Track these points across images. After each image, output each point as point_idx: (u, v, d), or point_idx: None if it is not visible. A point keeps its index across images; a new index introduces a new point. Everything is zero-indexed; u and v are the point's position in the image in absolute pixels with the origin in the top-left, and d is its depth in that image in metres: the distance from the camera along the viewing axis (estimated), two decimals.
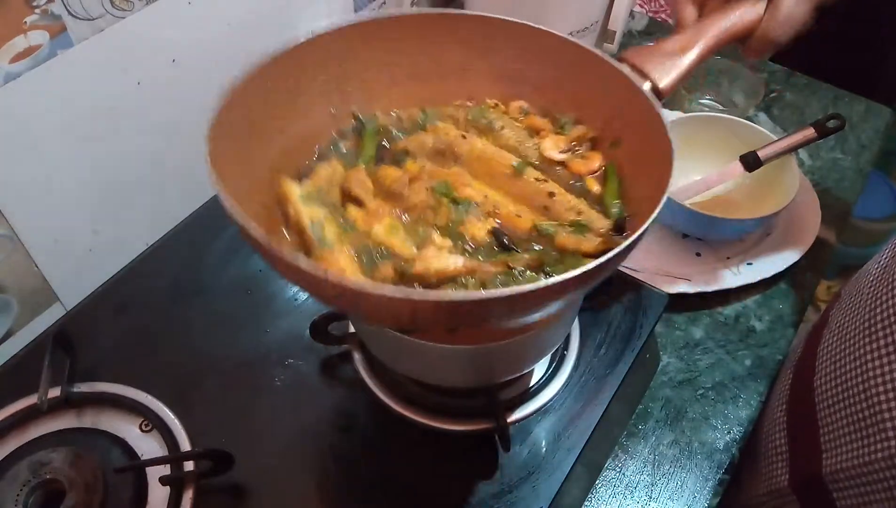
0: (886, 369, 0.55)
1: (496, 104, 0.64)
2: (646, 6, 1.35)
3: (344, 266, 0.48)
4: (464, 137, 0.59)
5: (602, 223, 0.54)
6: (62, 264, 0.74)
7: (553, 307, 0.48)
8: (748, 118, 1.03)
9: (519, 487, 0.60)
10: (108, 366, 0.66)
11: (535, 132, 0.62)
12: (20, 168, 0.66)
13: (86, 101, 0.69)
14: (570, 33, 0.94)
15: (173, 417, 0.62)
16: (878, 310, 0.58)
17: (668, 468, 0.71)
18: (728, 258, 0.87)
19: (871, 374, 0.57)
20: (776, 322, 0.83)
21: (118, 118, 0.73)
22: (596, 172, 0.59)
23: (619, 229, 0.53)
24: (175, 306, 0.73)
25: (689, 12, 0.64)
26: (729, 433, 0.74)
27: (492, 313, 0.42)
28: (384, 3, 1.00)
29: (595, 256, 0.50)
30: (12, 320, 0.72)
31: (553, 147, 0.59)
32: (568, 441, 0.62)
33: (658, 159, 0.51)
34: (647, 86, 0.56)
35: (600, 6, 0.94)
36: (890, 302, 0.57)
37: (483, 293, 0.39)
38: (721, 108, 1.07)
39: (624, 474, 0.70)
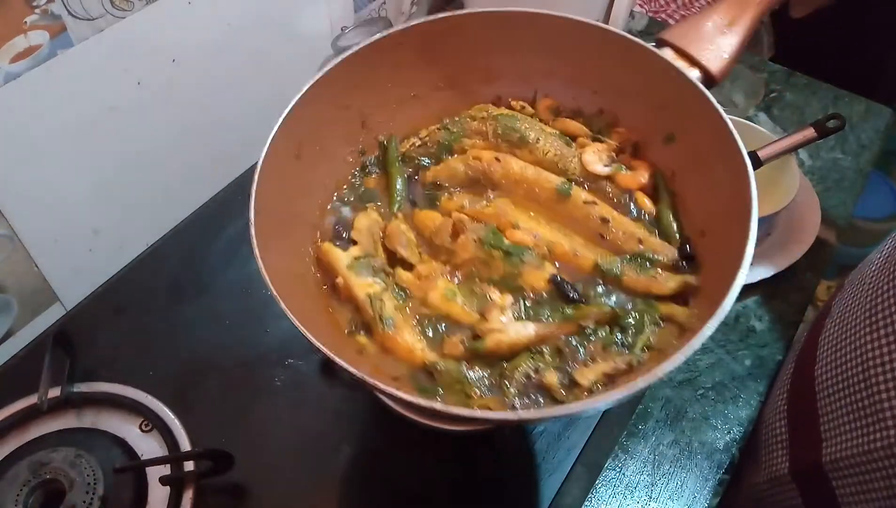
0: (887, 358, 0.55)
1: (522, 106, 0.59)
2: (646, 6, 1.35)
3: (412, 345, 0.47)
4: (498, 159, 0.55)
5: (666, 252, 0.50)
6: (62, 264, 0.74)
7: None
8: (748, 118, 1.03)
9: (519, 487, 0.60)
10: (108, 366, 0.66)
11: (571, 138, 0.57)
12: (20, 168, 0.66)
13: (86, 101, 0.69)
14: None
15: (173, 417, 0.62)
16: (880, 300, 0.58)
17: (668, 468, 0.71)
18: None
19: (871, 363, 0.57)
20: (776, 322, 0.83)
21: (118, 118, 0.73)
22: (645, 186, 0.54)
23: (688, 257, 0.49)
24: (175, 306, 0.73)
25: None
26: (729, 433, 0.74)
27: (584, 411, 0.41)
28: (384, 2, 1.00)
29: (670, 298, 0.48)
30: (12, 320, 0.72)
31: (596, 160, 0.55)
32: (568, 442, 0.62)
33: (718, 164, 0.46)
34: (695, 74, 0.50)
35: (600, 6, 0.94)
36: (891, 292, 0.57)
37: (562, 409, 0.39)
38: (721, 108, 1.07)
39: (624, 474, 0.70)
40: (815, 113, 1.10)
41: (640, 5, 1.33)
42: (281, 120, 0.50)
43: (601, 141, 0.56)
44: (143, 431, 0.62)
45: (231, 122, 0.84)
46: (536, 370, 0.45)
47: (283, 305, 0.42)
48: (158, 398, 0.63)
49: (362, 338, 0.48)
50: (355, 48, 0.54)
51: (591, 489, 0.68)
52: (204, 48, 0.78)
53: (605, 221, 0.52)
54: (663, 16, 1.33)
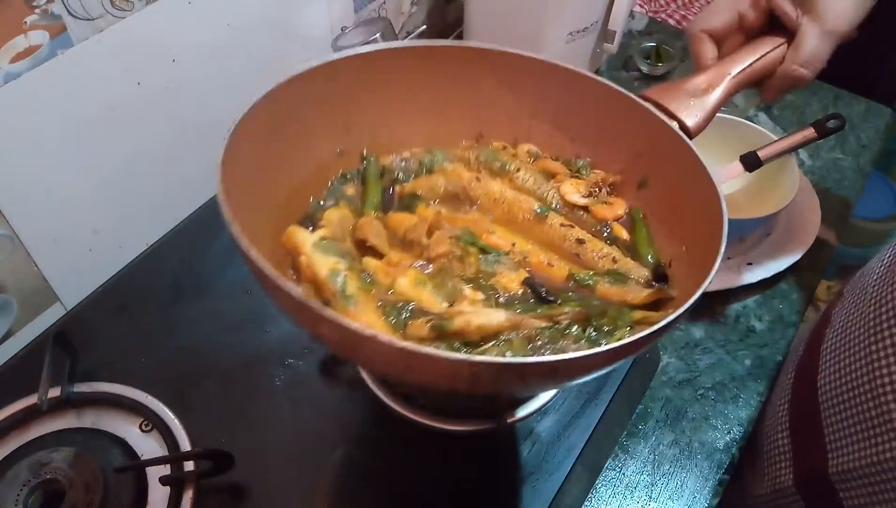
0: (894, 368, 0.55)
1: (504, 147, 0.60)
2: (646, 6, 1.35)
3: (372, 323, 0.44)
4: (478, 179, 0.56)
5: (641, 272, 0.51)
6: (62, 264, 0.74)
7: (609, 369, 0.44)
8: (748, 118, 1.03)
9: (519, 487, 0.60)
10: (108, 366, 0.66)
11: (550, 176, 0.58)
12: (20, 168, 0.66)
13: (86, 101, 0.69)
14: (570, 33, 0.94)
15: (173, 417, 0.62)
16: (884, 309, 0.58)
17: (668, 468, 0.71)
18: (728, 258, 0.87)
19: (877, 374, 0.56)
20: (776, 322, 0.83)
21: (118, 118, 0.73)
22: (621, 217, 0.56)
23: (660, 277, 0.50)
24: (175, 306, 0.73)
25: (709, 51, 0.63)
26: (729, 433, 0.74)
27: (555, 375, 0.39)
28: (384, 2, 1.00)
29: (643, 306, 0.48)
30: (12, 320, 0.72)
31: (574, 191, 0.56)
32: (568, 441, 0.62)
33: (698, 200, 0.48)
34: (674, 126, 0.54)
35: (600, 6, 0.94)
36: (894, 302, 0.57)
37: (557, 357, 0.36)
38: (721, 108, 1.07)
39: (624, 474, 0.70)
40: (815, 113, 1.10)
41: (640, 5, 1.33)
42: (272, 88, 0.49)
43: (580, 178, 0.58)
44: (143, 431, 0.62)
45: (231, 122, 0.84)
46: (504, 356, 0.43)
47: (229, 216, 0.39)
48: (158, 398, 0.63)
49: None
50: (356, 51, 0.54)
51: (591, 489, 0.69)
52: (204, 48, 0.78)
53: (580, 242, 0.53)
54: (663, 16, 1.33)
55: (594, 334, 0.46)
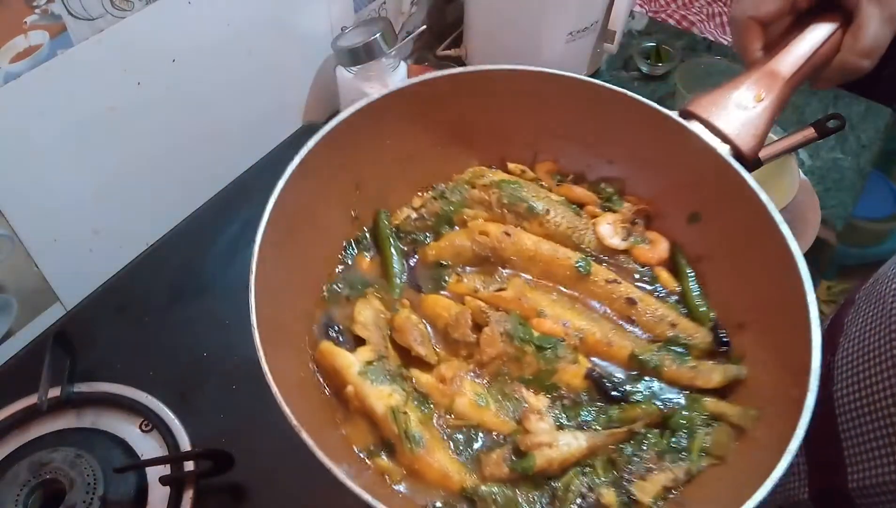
0: None
1: (523, 170, 0.56)
2: (646, 6, 1.35)
3: (447, 467, 0.41)
4: (508, 234, 0.50)
5: (702, 337, 0.48)
6: (62, 264, 0.74)
7: None
8: None
9: None
10: (108, 366, 0.66)
11: (578, 206, 0.54)
12: (20, 168, 0.66)
13: (86, 101, 0.69)
14: (570, 33, 0.94)
15: (173, 417, 0.62)
16: None
17: None
18: None
19: None
20: None
21: (118, 118, 0.73)
22: (665, 260, 0.51)
23: (722, 342, 0.47)
24: (175, 306, 0.73)
25: (757, 41, 0.54)
26: None
27: None
28: (384, 2, 1.00)
29: (714, 391, 0.46)
30: (12, 320, 0.72)
31: (612, 232, 0.52)
32: None
33: (763, 251, 0.43)
34: (725, 149, 0.47)
35: (600, 6, 0.94)
36: None
37: None
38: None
39: None
40: (815, 113, 1.10)
41: (640, 5, 1.33)
42: (278, 190, 0.46)
43: (612, 210, 0.53)
44: (143, 431, 0.62)
45: (231, 122, 0.84)
46: (591, 488, 0.41)
47: (294, 420, 0.38)
48: (158, 398, 0.63)
49: (383, 461, 0.43)
50: (357, 106, 0.50)
51: None
52: (204, 48, 0.78)
53: (631, 302, 0.49)
54: (663, 16, 1.33)
55: (673, 440, 0.43)
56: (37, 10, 0.61)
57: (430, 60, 1.08)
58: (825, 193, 0.96)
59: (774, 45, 0.54)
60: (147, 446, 0.61)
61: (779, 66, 0.50)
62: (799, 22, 0.54)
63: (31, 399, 0.61)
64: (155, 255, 0.78)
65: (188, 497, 0.57)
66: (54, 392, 0.62)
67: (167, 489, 0.58)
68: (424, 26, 0.99)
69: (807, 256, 0.84)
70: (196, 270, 0.76)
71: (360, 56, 0.84)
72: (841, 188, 0.99)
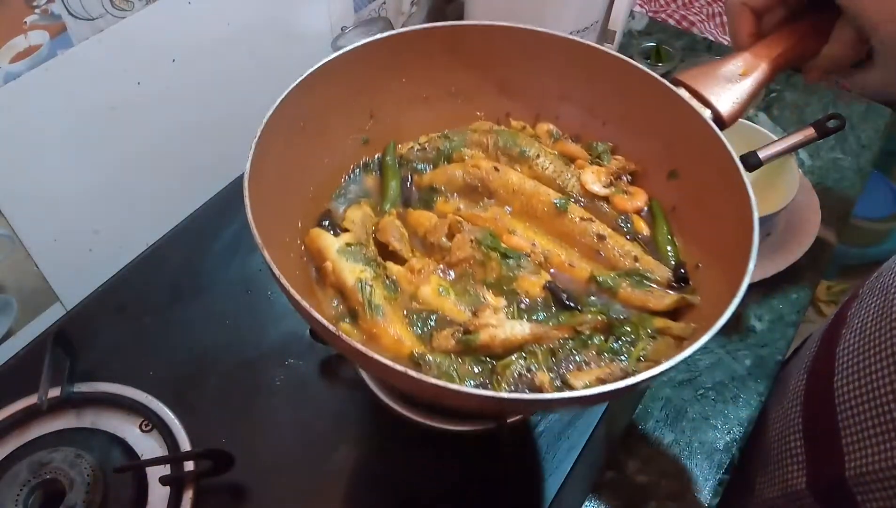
0: None
1: (523, 126, 0.60)
2: (646, 6, 1.35)
3: (400, 335, 0.46)
4: (496, 169, 0.55)
5: (662, 273, 0.51)
6: (62, 264, 0.74)
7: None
8: (748, 118, 1.03)
9: (519, 487, 0.60)
10: (108, 366, 0.66)
11: (570, 160, 0.58)
12: (20, 168, 0.66)
13: (86, 101, 0.69)
14: (571, 33, 0.93)
15: (173, 417, 0.62)
16: None
17: (668, 468, 0.71)
18: None
19: None
20: (776, 322, 0.83)
21: (118, 118, 0.73)
22: (641, 209, 0.55)
23: (682, 279, 0.49)
24: (175, 306, 0.73)
25: (748, 27, 0.58)
26: (729, 433, 0.74)
27: (577, 404, 0.41)
28: (384, 2, 1.00)
29: (665, 313, 0.48)
30: (12, 320, 0.72)
31: (595, 180, 0.55)
32: (568, 442, 0.62)
33: (724, 202, 0.47)
34: (707, 113, 0.52)
35: (600, 6, 0.94)
36: None
37: (577, 393, 0.39)
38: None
39: (624, 474, 0.70)
40: (815, 113, 1.10)
41: (640, 5, 1.33)
42: (294, 85, 0.50)
43: (600, 165, 0.57)
44: (142, 431, 0.62)
45: (231, 122, 0.84)
46: (529, 370, 0.44)
47: (258, 239, 0.41)
48: (158, 398, 0.63)
49: (347, 326, 0.47)
50: (381, 35, 0.54)
51: (591, 489, 0.69)
52: (204, 48, 0.78)
53: (601, 237, 0.52)
54: (663, 16, 1.33)
55: (616, 344, 0.46)
56: (37, 10, 0.61)
57: None
58: (825, 193, 0.96)
59: (767, 35, 0.58)
60: (147, 446, 0.61)
61: (766, 48, 0.54)
62: (793, 17, 0.57)
63: (31, 399, 0.61)
64: (155, 255, 0.78)
65: (188, 497, 0.57)
66: (54, 392, 0.62)
67: (167, 489, 0.58)
68: None
69: (807, 256, 0.86)
70: (196, 270, 0.76)
71: None
72: (841, 188, 0.99)
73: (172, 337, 0.70)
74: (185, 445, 0.60)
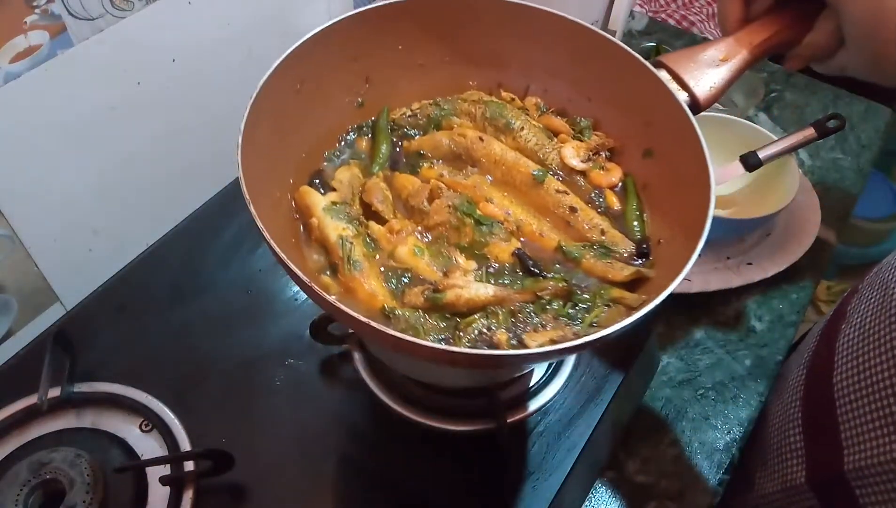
0: None
1: (512, 98, 0.62)
2: (646, 6, 1.35)
3: (375, 289, 0.49)
4: (481, 138, 0.57)
5: (625, 246, 0.53)
6: (62, 264, 0.74)
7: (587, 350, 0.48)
8: (748, 118, 1.03)
9: (519, 487, 0.60)
10: (108, 366, 0.66)
11: (553, 134, 0.60)
12: (20, 168, 0.66)
13: (86, 101, 0.69)
14: None
15: (173, 417, 0.62)
16: None
17: (668, 468, 0.71)
18: (728, 258, 0.87)
19: None
20: (776, 322, 0.83)
21: (118, 118, 0.73)
22: (616, 185, 0.57)
23: (643, 254, 0.52)
24: (175, 306, 0.73)
25: (735, 12, 0.59)
26: (729, 433, 0.74)
27: (526, 361, 0.44)
28: None
29: (623, 284, 0.50)
30: (12, 319, 0.72)
31: (574, 155, 0.57)
32: (568, 441, 0.62)
33: (691, 184, 0.49)
34: (683, 96, 0.54)
35: (600, 6, 0.94)
36: None
37: (523, 351, 0.43)
38: (721, 108, 1.07)
39: (624, 474, 0.70)
40: (815, 113, 1.10)
41: (640, 5, 1.33)
42: (293, 48, 0.52)
43: (581, 140, 0.59)
44: (143, 431, 0.62)
45: (231, 121, 0.84)
46: (489, 328, 0.47)
47: (251, 208, 0.43)
48: (158, 398, 0.63)
49: (327, 278, 0.50)
50: (379, 3, 0.57)
51: (591, 489, 0.69)
52: (204, 48, 0.78)
53: (573, 210, 0.55)
54: (663, 16, 1.33)
55: (572, 310, 0.49)
56: (37, 10, 0.61)
57: None
58: (825, 193, 0.96)
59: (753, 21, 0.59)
60: (147, 446, 0.61)
61: (749, 35, 0.56)
62: (780, 5, 0.58)
63: (31, 399, 0.61)
64: (155, 255, 0.78)
65: (188, 497, 0.57)
66: (54, 392, 0.62)
67: (167, 489, 0.58)
68: None
69: (807, 256, 0.86)
70: (196, 270, 0.76)
71: None
72: (841, 188, 0.99)
73: (172, 337, 0.70)
74: (185, 445, 0.60)
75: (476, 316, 0.48)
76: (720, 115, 0.92)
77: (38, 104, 0.65)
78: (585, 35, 0.56)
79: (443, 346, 0.41)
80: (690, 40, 1.22)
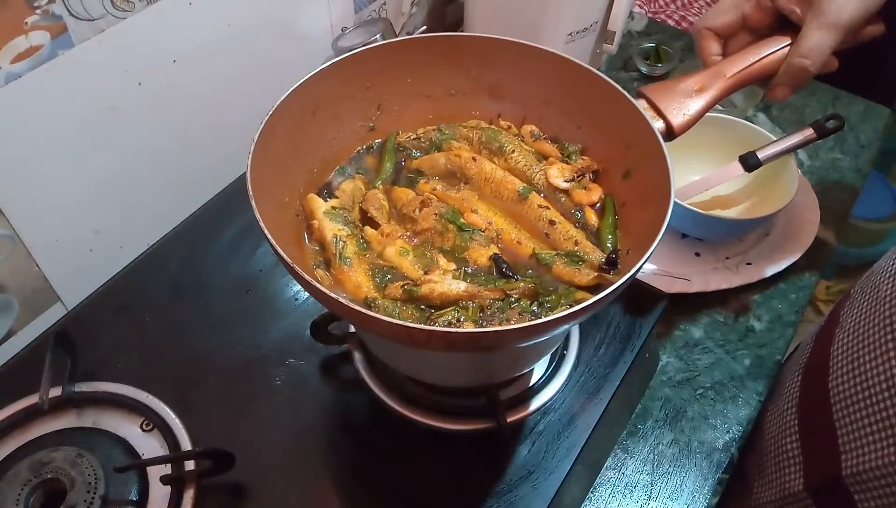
0: None
1: (509, 126, 0.67)
2: (645, 7, 1.35)
3: (360, 282, 0.54)
4: (474, 159, 0.63)
5: (597, 256, 0.57)
6: (63, 264, 0.74)
7: (543, 338, 0.52)
8: (748, 118, 1.03)
9: (519, 487, 0.60)
10: (108, 366, 0.66)
11: (543, 158, 0.64)
12: (21, 168, 0.67)
13: (87, 101, 0.69)
14: (570, 34, 0.94)
15: (174, 416, 0.62)
16: None
17: (667, 467, 0.71)
18: (727, 258, 0.87)
19: (894, 372, 0.56)
20: (775, 322, 0.83)
21: (119, 118, 0.73)
22: (595, 203, 0.62)
23: (612, 263, 0.56)
24: (175, 306, 0.73)
25: (712, 49, 0.64)
26: (728, 432, 0.74)
27: (485, 343, 0.47)
28: (384, 3, 1.00)
29: (588, 288, 0.55)
30: (13, 319, 0.72)
31: (558, 175, 0.62)
32: (568, 441, 0.62)
33: (655, 200, 0.53)
34: (659, 124, 0.58)
35: (600, 7, 0.94)
36: None
37: (479, 330, 0.49)
38: (720, 108, 1.07)
39: (624, 473, 0.70)
40: (815, 113, 1.10)
41: (639, 6, 1.34)
42: (311, 74, 0.58)
43: (568, 163, 0.64)
44: (143, 430, 0.62)
45: (231, 122, 0.85)
46: (458, 320, 0.52)
47: (253, 203, 0.48)
48: (159, 397, 0.63)
49: (321, 271, 0.56)
50: (394, 39, 0.65)
51: (590, 488, 0.69)
52: (204, 48, 0.78)
53: (552, 222, 0.59)
54: (663, 16, 1.34)
55: (537, 308, 0.53)
56: (38, 11, 0.61)
57: None
58: (825, 193, 0.96)
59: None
60: (148, 445, 0.61)
61: (725, 67, 0.61)
62: (755, 41, 0.63)
63: (32, 399, 0.61)
64: (155, 255, 0.78)
65: (189, 496, 0.58)
66: (55, 392, 0.62)
67: (168, 488, 0.58)
68: (425, 27, 1.00)
69: (806, 256, 0.86)
70: (196, 270, 0.76)
71: None
72: (840, 188, 1.00)
73: (173, 337, 0.70)
74: (186, 444, 0.61)
75: (449, 309, 0.52)
76: (720, 115, 0.92)
77: (39, 105, 0.65)
78: (575, 70, 0.61)
79: (408, 323, 0.46)
80: (690, 41, 1.22)
